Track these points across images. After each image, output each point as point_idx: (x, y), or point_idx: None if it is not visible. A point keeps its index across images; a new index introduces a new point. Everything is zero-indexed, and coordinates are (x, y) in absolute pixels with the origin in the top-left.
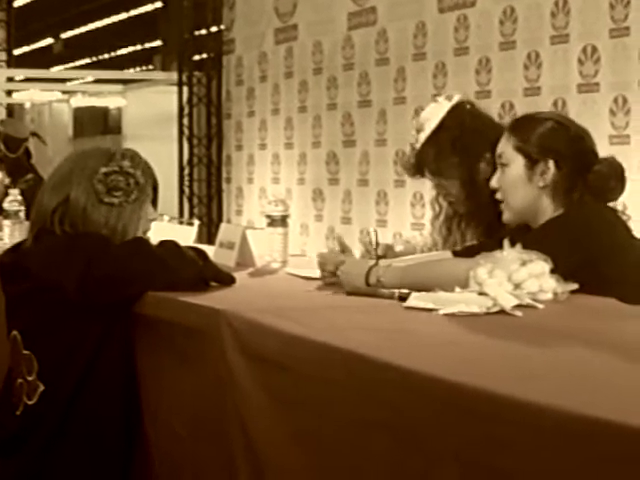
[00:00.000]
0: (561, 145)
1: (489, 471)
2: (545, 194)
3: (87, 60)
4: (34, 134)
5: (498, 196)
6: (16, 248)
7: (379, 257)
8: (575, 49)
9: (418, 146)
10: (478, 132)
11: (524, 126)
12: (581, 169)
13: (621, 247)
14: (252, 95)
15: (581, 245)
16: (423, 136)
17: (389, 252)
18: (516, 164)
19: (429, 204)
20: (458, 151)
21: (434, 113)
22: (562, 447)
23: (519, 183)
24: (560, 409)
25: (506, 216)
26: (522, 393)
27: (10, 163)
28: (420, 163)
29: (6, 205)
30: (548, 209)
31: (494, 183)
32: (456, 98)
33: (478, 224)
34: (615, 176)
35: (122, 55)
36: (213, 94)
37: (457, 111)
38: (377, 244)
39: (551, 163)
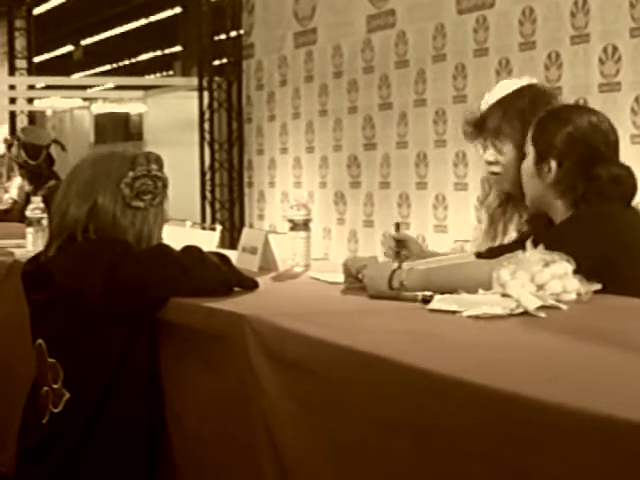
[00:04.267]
0: (566, 147)
1: (516, 472)
2: (552, 191)
3: (107, 67)
4: (55, 141)
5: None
6: (39, 256)
7: (397, 252)
8: (596, 49)
9: (488, 105)
10: (549, 111)
11: (545, 121)
12: (582, 170)
13: None
14: (272, 99)
15: (602, 243)
16: (494, 98)
17: (411, 244)
18: (530, 156)
19: (480, 183)
20: (525, 120)
21: (510, 84)
22: (587, 448)
23: (530, 175)
24: (585, 410)
25: (526, 201)
26: (547, 394)
27: (31, 170)
28: (485, 118)
29: (29, 213)
30: (558, 206)
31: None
32: (534, 80)
33: (525, 208)
34: (615, 182)
35: (142, 61)
36: (234, 99)
37: (535, 87)
38: (396, 240)
39: (554, 163)
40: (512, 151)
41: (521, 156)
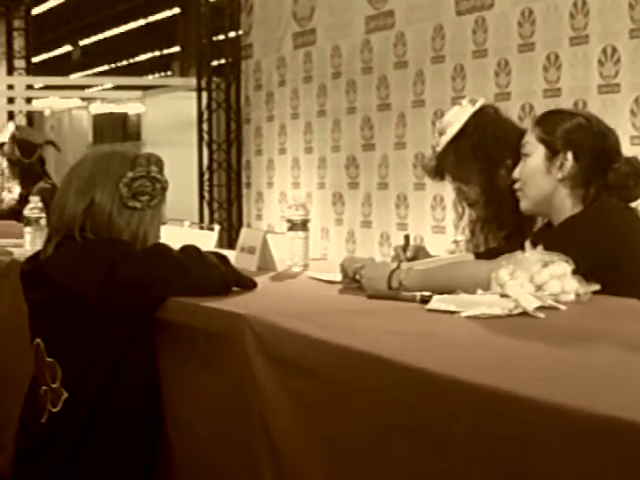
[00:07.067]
0: (582, 139)
1: (514, 473)
2: (562, 187)
3: (106, 67)
4: (49, 142)
5: (516, 186)
6: (37, 256)
7: (409, 259)
8: (595, 50)
9: (439, 150)
10: (500, 139)
11: (549, 118)
12: (600, 165)
13: None
14: (271, 100)
15: (602, 243)
16: (445, 140)
17: (421, 252)
18: (537, 154)
19: (452, 205)
20: (479, 157)
21: (457, 117)
22: (586, 448)
23: (538, 173)
24: (584, 410)
25: (523, 205)
26: (546, 395)
27: (23, 169)
28: (440, 167)
29: (27, 212)
30: (566, 203)
31: (516, 174)
32: (480, 102)
33: (500, 229)
34: (635, 175)
35: (141, 61)
36: (232, 99)
37: (480, 116)
38: (407, 247)
39: (570, 155)
40: (479, 189)
41: (488, 187)
